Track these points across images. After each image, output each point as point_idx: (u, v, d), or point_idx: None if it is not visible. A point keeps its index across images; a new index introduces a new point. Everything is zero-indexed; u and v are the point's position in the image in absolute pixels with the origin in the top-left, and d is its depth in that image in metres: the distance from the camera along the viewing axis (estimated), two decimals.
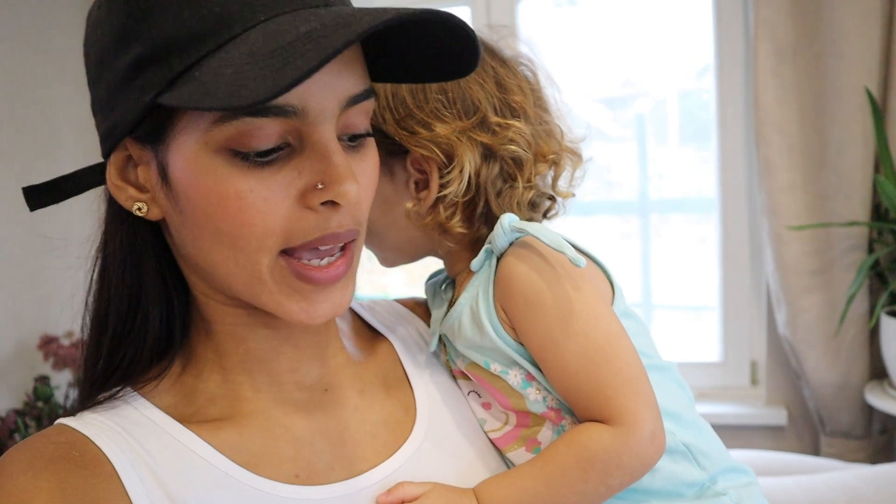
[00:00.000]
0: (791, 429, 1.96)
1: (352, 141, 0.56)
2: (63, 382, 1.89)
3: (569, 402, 0.64)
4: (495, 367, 0.66)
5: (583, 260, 0.61)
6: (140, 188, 0.56)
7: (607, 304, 0.66)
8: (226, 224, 0.52)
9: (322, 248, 0.55)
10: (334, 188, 0.52)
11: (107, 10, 0.53)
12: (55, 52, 2.21)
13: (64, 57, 2.24)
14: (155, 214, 0.57)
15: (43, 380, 1.80)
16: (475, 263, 0.66)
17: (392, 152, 0.68)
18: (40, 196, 0.62)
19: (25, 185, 0.60)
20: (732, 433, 1.95)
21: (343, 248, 0.57)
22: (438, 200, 0.67)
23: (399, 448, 0.64)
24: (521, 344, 0.65)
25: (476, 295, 0.66)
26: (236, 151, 0.51)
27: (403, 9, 0.48)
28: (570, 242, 0.63)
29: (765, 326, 1.96)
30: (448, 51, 0.55)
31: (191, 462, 0.56)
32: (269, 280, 0.54)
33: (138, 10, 0.50)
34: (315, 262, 0.55)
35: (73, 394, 1.85)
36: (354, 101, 0.54)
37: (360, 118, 0.56)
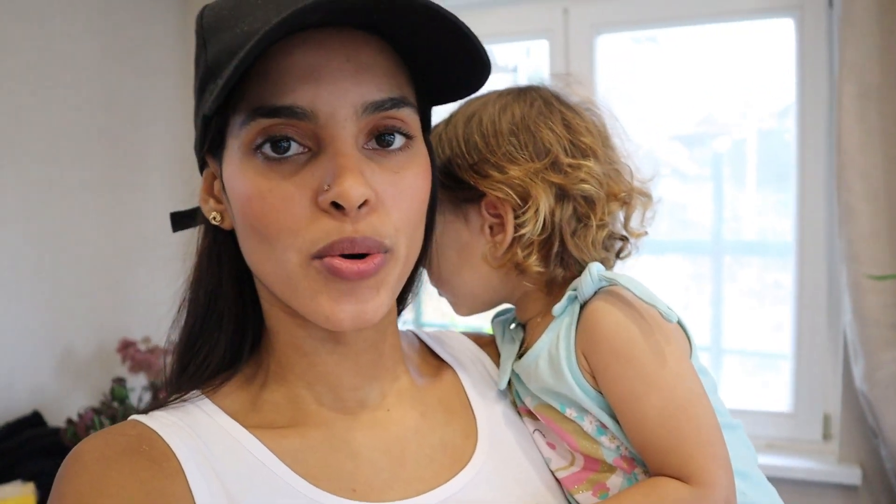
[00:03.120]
0: (865, 489, 1.85)
1: (382, 146, 0.56)
2: (138, 385, 1.99)
3: (643, 456, 0.63)
4: (570, 413, 0.66)
5: (675, 315, 0.61)
6: (217, 200, 0.62)
7: (690, 363, 0.65)
8: (255, 222, 0.55)
9: (342, 254, 0.54)
10: (336, 188, 0.52)
11: (196, 35, 0.59)
12: (150, 73, 2.36)
13: (157, 78, 2.39)
14: (228, 224, 0.61)
15: (120, 381, 1.89)
16: (557, 308, 0.66)
17: (466, 199, 0.70)
18: (183, 220, 0.68)
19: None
20: (802, 489, 1.86)
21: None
22: (515, 241, 0.68)
23: (458, 473, 0.64)
24: (600, 392, 0.64)
25: (556, 340, 0.66)
26: (260, 153, 0.54)
27: None
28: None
29: (840, 379, 1.87)
30: (461, 55, 0.55)
31: (253, 467, 0.57)
32: (301, 279, 0.55)
33: (203, 40, 0.57)
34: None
35: (147, 397, 1.94)
36: (377, 107, 0.54)
37: (393, 126, 0.57)
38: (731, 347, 2.26)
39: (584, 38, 2.09)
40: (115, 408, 1.85)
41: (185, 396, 0.62)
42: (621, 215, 0.72)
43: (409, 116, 0.57)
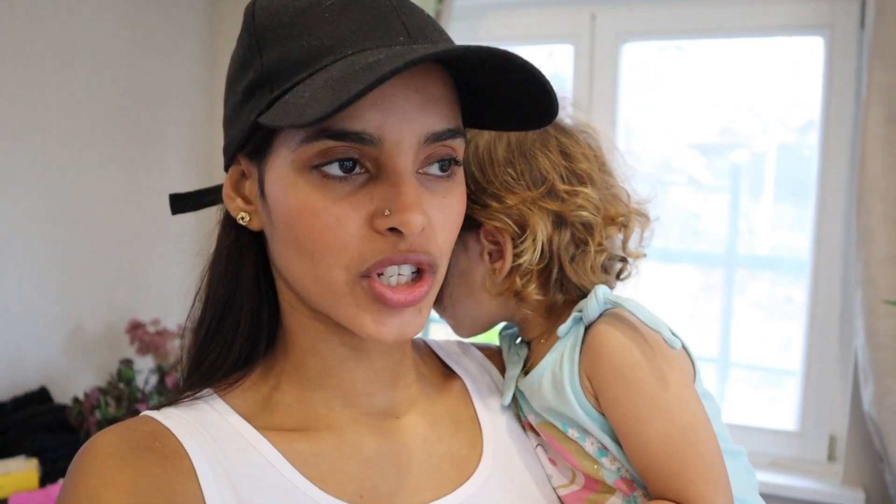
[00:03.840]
0: None
1: (440, 171, 0.58)
2: (145, 367, 1.99)
3: (644, 479, 0.63)
4: (572, 433, 0.66)
5: (678, 342, 0.62)
6: (246, 200, 0.62)
7: (694, 388, 0.65)
8: (304, 238, 0.56)
9: (390, 267, 0.56)
10: (398, 216, 0.53)
11: (239, 42, 0.60)
12: (175, 57, 2.36)
13: (181, 62, 2.39)
14: (255, 225, 0.61)
15: (127, 363, 1.89)
16: (562, 329, 0.66)
17: (465, 226, 0.69)
18: (183, 203, 0.69)
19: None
20: None
21: (418, 275, 0.58)
22: (513, 269, 0.68)
23: (463, 484, 0.64)
24: (601, 414, 0.64)
25: (560, 360, 0.66)
26: (317, 171, 0.54)
27: (465, 46, 0.50)
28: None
29: (848, 401, 1.86)
30: (528, 97, 0.56)
31: (263, 469, 0.58)
32: (346, 294, 0.56)
33: (256, 42, 0.57)
34: (385, 280, 0.56)
35: (154, 379, 1.94)
36: (437, 138, 0.56)
37: (447, 155, 0.58)
38: (738, 361, 2.25)
39: (610, 45, 2.08)
40: (121, 389, 1.85)
41: (198, 394, 0.62)
42: (620, 237, 0.72)
43: (460, 145, 0.59)
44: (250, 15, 0.58)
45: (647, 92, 2.23)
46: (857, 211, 1.72)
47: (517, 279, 0.68)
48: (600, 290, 0.65)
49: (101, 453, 0.54)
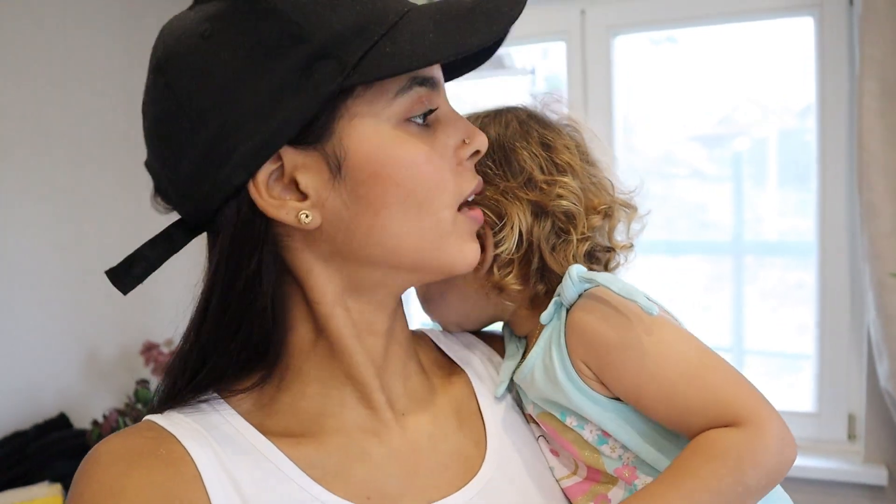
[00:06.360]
0: (892, 489, 1.83)
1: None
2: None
3: (684, 428, 0.60)
4: (570, 421, 0.65)
5: (655, 308, 0.60)
6: (298, 198, 0.57)
7: (686, 329, 0.64)
8: (419, 188, 0.58)
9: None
10: (476, 139, 0.62)
11: (245, 36, 0.54)
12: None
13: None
14: (316, 221, 0.57)
15: (143, 383, 1.91)
16: (545, 316, 0.65)
17: None
18: (127, 276, 0.67)
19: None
20: (827, 489, 1.85)
21: None
22: (494, 260, 0.68)
23: (469, 482, 0.64)
24: (610, 398, 0.63)
25: (548, 348, 0.65)
26: (411, 121, 0.58)
27: None
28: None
29: (864, 378, 1.85)
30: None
31: (268, 471, 0.57)
32: (452, 231, 0.61)
33: (296, 23, 0.53)
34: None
35: None
36: (446, 79, 0.64)
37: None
38: (752, 348, 2.24)
39: (602, 40, 2.09)
40: (138, 409, 1.87)
41: (202, 397, 0.61)
42: (606, 228, 0.72)
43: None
44: (262, 9, 0.54)
45: (643, 86, 2.23)
46: (859, 187, 1.72)
47: (496, 270, 0.68)
48: (574, 270, 0.64)
49: (105, 461, 0.54)
